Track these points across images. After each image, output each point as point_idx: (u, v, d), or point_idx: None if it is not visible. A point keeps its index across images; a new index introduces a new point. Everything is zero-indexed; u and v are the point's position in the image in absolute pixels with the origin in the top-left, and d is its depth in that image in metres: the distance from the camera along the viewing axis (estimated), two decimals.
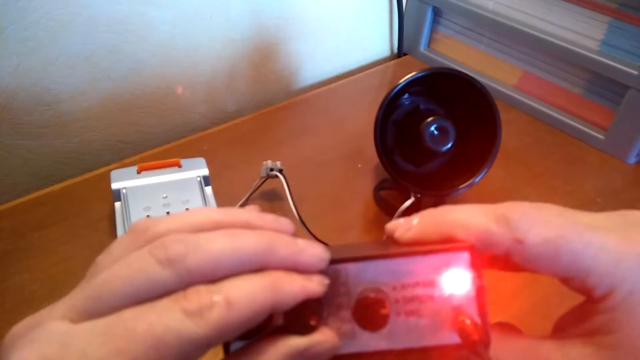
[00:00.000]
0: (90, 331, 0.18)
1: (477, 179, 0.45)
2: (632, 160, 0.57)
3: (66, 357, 0.17)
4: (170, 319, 0.17)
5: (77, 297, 0.19)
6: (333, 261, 0.22)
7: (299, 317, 0.21)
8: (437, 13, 0.73)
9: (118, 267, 0.19)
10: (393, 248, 0.23)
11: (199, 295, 0.18)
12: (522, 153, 0.58)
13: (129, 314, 0.18)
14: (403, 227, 0.24)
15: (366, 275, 0.22)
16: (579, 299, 0.26)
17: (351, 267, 0.22)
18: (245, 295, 0.19)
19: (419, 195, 0.45)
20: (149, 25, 0.55)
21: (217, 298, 0.18)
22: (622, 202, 0.52)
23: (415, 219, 0.24)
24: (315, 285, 0.21)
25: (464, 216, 0.23)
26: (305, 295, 0.20)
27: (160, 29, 0.56)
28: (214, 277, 0.19)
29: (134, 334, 0.17)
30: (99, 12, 0.51)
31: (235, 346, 0.22)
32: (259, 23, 0.64)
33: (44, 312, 0.19)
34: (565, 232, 0.22)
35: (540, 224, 0.22)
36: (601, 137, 0.58)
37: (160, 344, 0.17)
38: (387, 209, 0.49)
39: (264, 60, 0.67)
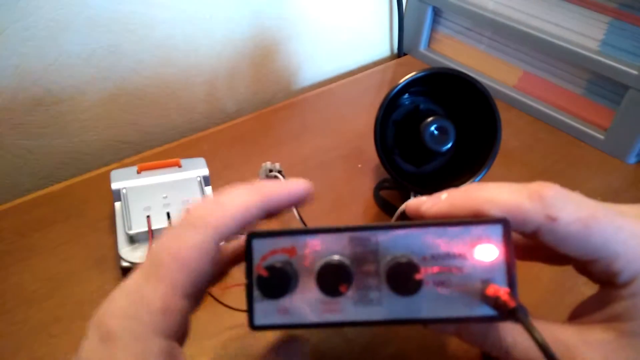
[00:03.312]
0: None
1: (477, 179, 0.45)
2: (632, 160, 0.57)
3: None
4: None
5: None
6: (362, 228, 0.22)
7: (329, 283, 0.22)
8: (437, 13, 0.73)
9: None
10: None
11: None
12: (522, 153, 0.58)
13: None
14: (430, 201, 0.24)
15: (396, 244, 0.22)
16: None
17: (381, 235, 0.22)
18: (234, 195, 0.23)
19: (419, 195, 0.45)
20: (149, 25, 0.55)
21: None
22: (622, 202, 0.52)
23: (444, 194, 0.24)
24: (296, 185, 0.24)
25: (496, 192, 0.23)
26: (288, 193, 0.24)
27: (160, 29, 0.56)
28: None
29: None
30: (99, 12, 0.51)
31: (259, 305, 0.22)
32: (259, 23, 0.64)
33: None
34: (598, 214, 0.22)
35: (574, 203, 0.22)
36: (601, 137, 0.58)
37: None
38: (387, 209, 0.49)
39: (264, 60, 0.67)
